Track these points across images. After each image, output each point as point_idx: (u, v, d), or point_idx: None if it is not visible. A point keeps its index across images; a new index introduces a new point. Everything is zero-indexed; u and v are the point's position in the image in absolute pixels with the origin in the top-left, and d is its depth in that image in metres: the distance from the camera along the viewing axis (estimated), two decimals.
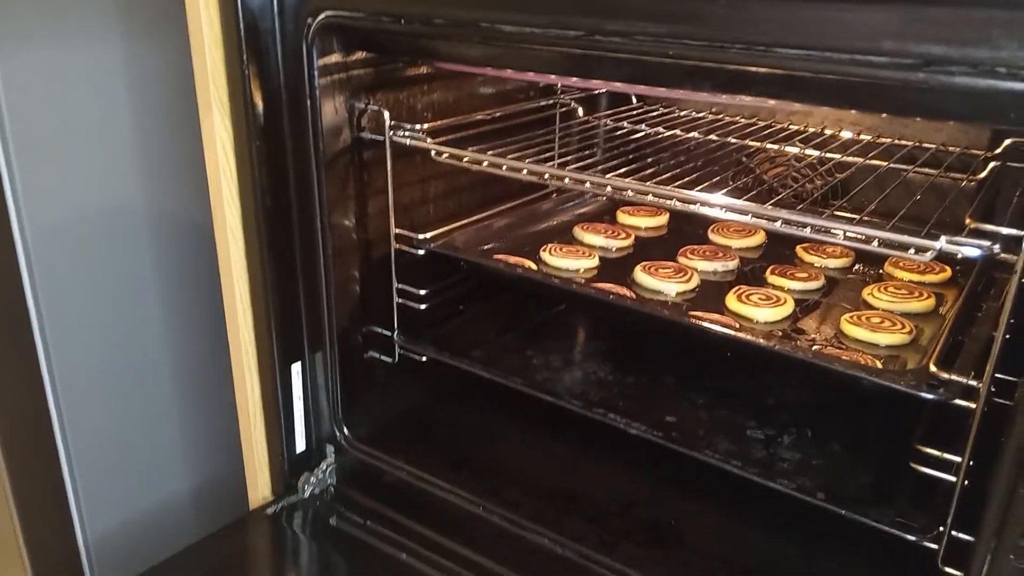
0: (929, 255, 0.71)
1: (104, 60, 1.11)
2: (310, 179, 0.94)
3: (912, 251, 0.72)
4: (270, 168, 0.92)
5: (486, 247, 1.12)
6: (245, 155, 0.92)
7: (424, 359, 1.08)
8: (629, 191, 0.89)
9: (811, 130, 1.21)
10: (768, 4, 0.61)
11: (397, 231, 1.04)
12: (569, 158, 1.12)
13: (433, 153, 0.99)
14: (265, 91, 0.89)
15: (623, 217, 1.25)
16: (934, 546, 0.74)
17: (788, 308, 0.95)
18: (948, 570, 0.73)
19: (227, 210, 0.94)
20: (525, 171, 0.95)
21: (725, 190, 0.85)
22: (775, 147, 1.18)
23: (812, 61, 0.61)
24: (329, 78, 0.91)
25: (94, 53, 1.10)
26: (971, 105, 0.59)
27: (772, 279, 1.03)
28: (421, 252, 1.06)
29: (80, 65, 1.09)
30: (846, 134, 1.17)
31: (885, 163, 1.06)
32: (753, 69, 0.64)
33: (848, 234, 0.76)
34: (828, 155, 1.13)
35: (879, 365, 0.84)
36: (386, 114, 0.96)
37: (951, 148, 1.09)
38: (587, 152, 1.19)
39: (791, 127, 1.23)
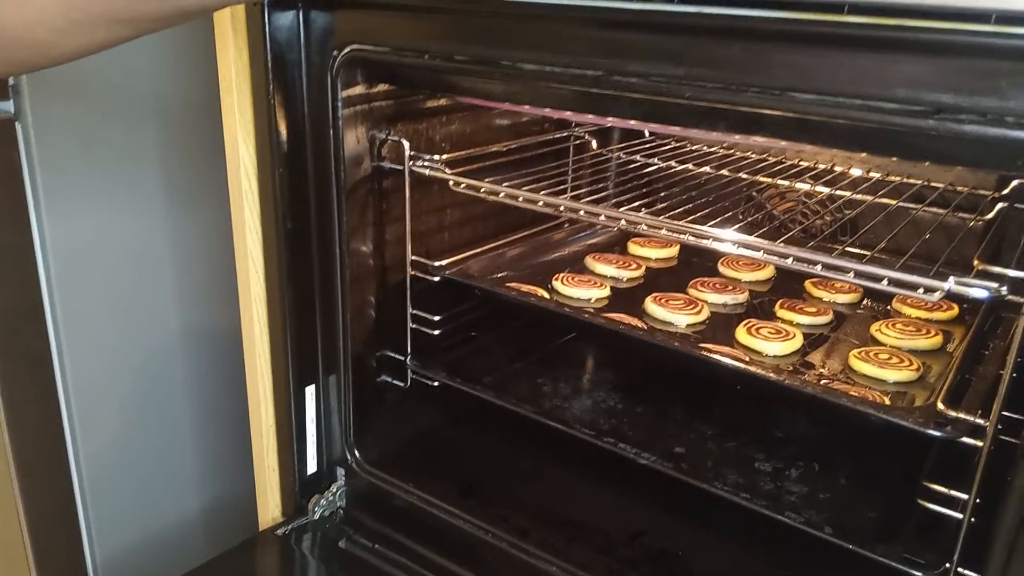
0: (937, 295, 0.72)
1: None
2: (331, 206, 0.95)
3: (921, 291, 0.74)
4: (292, 195, 0.94)
5: (499, 275, 1.14)
6: (268, 182, 0.94)
7: (436, 384, 1.09)
8: (643, 225, 0.91)
9: (821, 167, 1.22)
10: (783, 50, 0.63)
11: (413, 258, 1.06)
12: (583, 190, 1.14)
13: (451, 183, 1.01)
14: (289, 120, 0.92)
15: (634, 248, 1.27)
16: None
17: (797, 342, 0.96)
18: None
19: (248, 236, 0.96)
20: (541, 203, 0.96)
21: (736, 225, 0.87)
22: (785, 183, 1.20)
23: (824, 106, 0.62)
24: (352, 109, 0.93)
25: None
26: (980, 152, 0.60)
27: (781, 313, 1.05)
28: (436, 279, 1.07)
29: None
30: (855, 172, 1.19)
31: (894, 201, 1.08)
32: (766, 112, 0.66)
33: (858, 272, 0.77)
34: (838, 192, 1.15)
35: (887, 401, 0.86)
36: (406, 144, 0.98)
37: (959, 188, 1.10)
38: (600, 184, 1.21)
39: (801, 164, 1.24)
